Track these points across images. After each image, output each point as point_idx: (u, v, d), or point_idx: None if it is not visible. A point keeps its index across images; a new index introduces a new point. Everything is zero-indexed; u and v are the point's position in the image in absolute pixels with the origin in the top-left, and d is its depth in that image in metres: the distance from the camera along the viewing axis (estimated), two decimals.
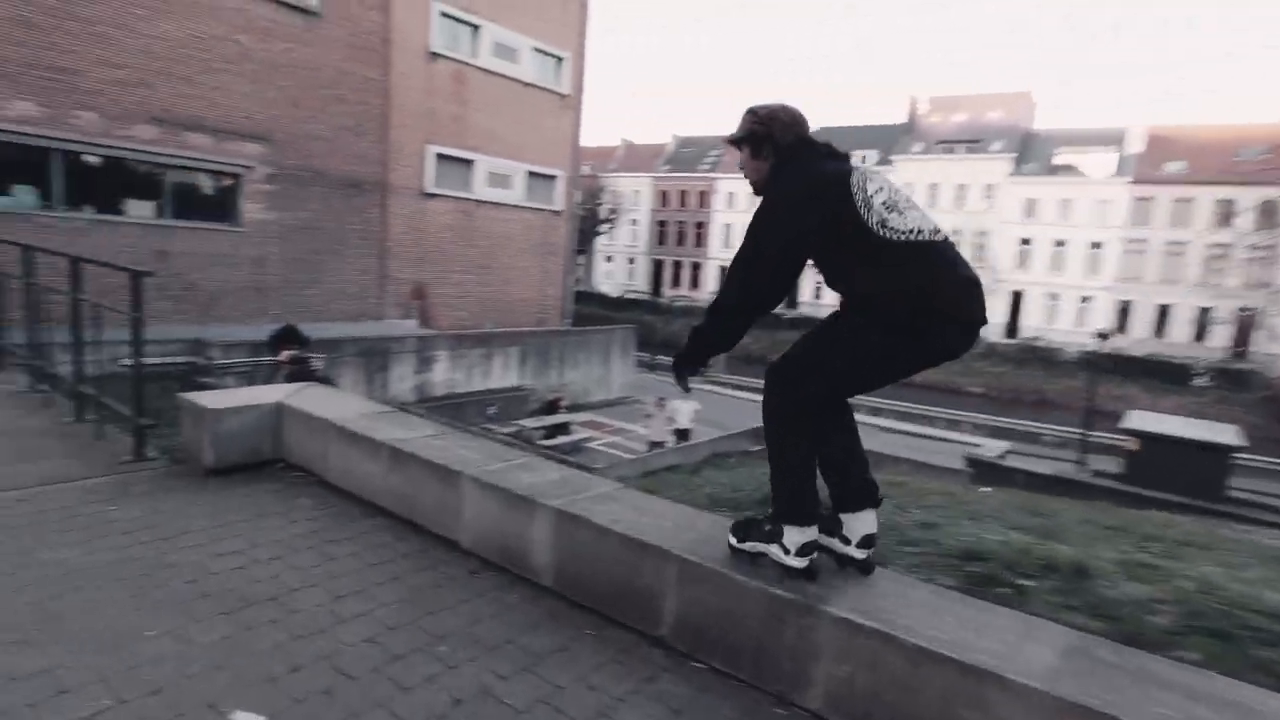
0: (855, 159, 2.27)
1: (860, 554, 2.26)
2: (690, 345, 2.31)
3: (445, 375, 18.65)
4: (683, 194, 58.27)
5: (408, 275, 19.48)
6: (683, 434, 16.87)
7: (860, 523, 2.26)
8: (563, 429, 18.27)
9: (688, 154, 60.00)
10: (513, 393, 19.78)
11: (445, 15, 19.37)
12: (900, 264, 2.02)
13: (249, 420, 3.85)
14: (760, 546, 2.30)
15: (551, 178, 23.40)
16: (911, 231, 2.04)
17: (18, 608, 2.36)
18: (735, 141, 2.35)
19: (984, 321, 2.07)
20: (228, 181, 15.42)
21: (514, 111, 21.60)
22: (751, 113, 2.31)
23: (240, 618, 2.40)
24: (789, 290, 2.19)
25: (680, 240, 58.41)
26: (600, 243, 59.52)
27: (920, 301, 2.00)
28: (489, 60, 20.65)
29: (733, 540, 2.37)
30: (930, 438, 22.20)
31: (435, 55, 19.10)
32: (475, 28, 20.30)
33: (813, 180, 2.12)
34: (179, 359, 13.42)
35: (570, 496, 2.81)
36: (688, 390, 2.48)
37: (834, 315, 2.20)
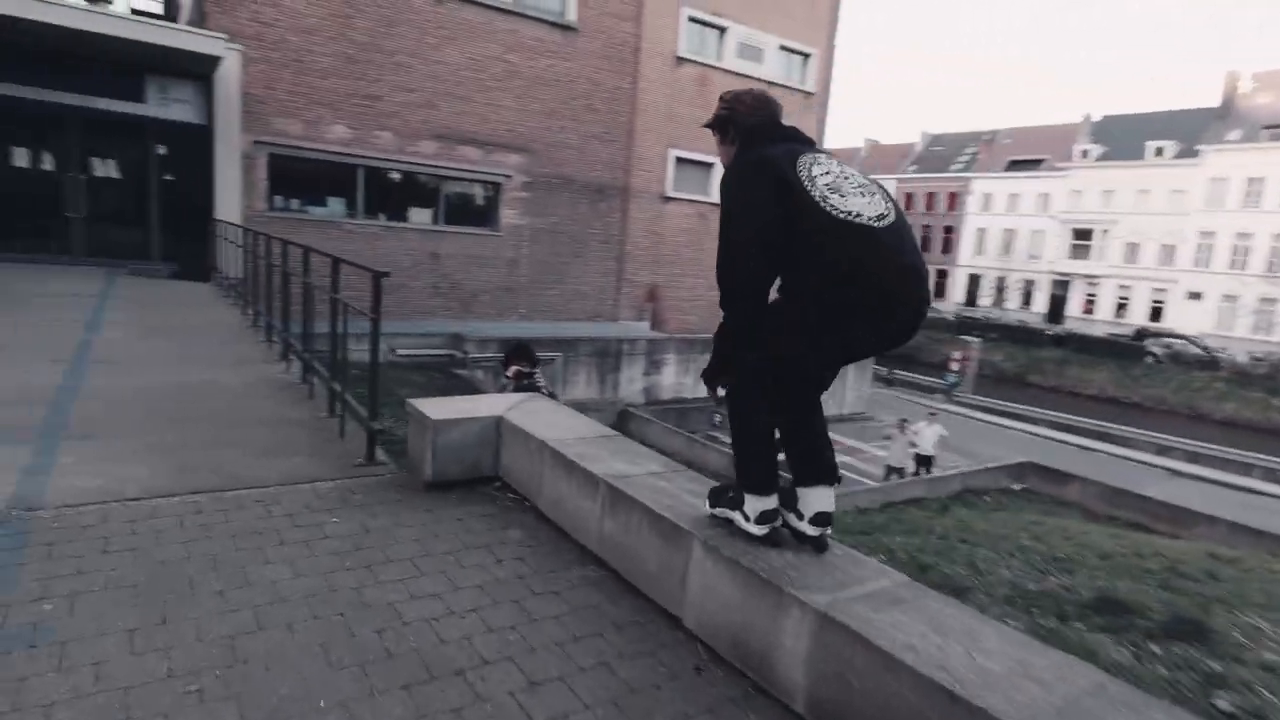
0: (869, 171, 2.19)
1: (812, 530, 2.29)
2: (718, 345, 2.30)
3: (674, 379, 18.54)
4: (930, 196, 53.69)
5: (643, 278, 19.70)
6: (925, 461, 15.05)
7: (815, 498, 2.29)
8: None
9: (938, 153, 55.17)
10: None
11: (693, 20, 19.27)
12: (839, 244, 2.02)
13: (470, 433, 3.56)
14: (727, 512, 2.45)
15: None
16: (850, 214, 2.04)
17: (211, 641, 2.13)
18: (709, 127, 2.44)
19: (924, 303, 2.08)
20: (490, 190, 16.61)
21: None
22: (721, 98, 2.40)
23: (419, 697, 1.95)
24: (778, 262, 2.14)
25: (925, 246, 53.81)
26: None
27: (862, 283, 2.01)
28: (733, 61, 20.20)
29: (707, 505, 2.54)
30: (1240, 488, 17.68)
31: (681, 60, 19.07)
32: (722, 30, 19.98)
33: (760, 159, 2.16)
34: (440, 351, 14.69)
35: (836, 592, 2.01)
36: (717, 401, 2.38)
37: (784, 299, 2.16)
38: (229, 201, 11.80)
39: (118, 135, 11.12)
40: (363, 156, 14.47)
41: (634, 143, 18.53)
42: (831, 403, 21.37)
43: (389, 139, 14.71)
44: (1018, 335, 41.41)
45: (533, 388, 5.16)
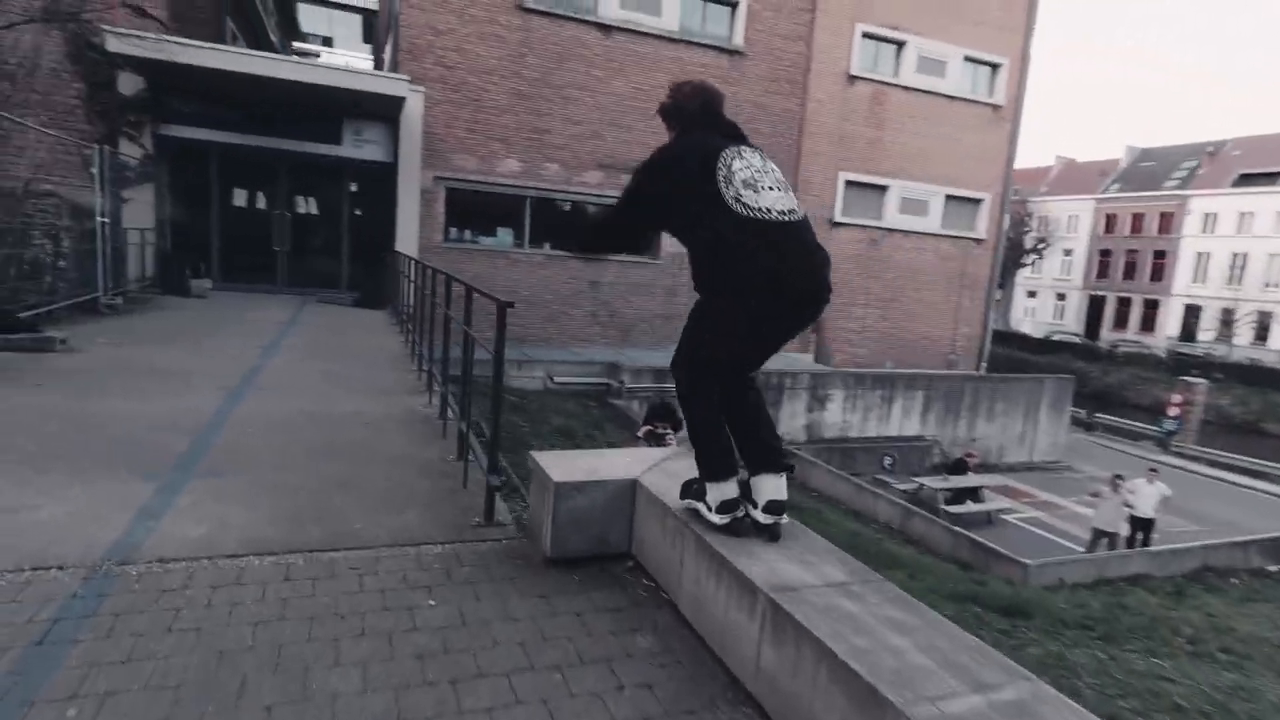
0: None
1: (765, 518, 2.35)
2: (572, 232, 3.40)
3: (839, 416, 17.10)
4: (1136, 217, 47.15)
5: None
6: (1143, 525, 12.56)
7: (765, 486, 2.37)
8: (973, 494, 15.15)
9: (1147, 169, 48.47)
10: (913, 443, 17.31)
11: (868, 36, 18.03)
12: (749, 238, 2.14)
13: (599, 499, 2.89)
14: (694, 504, 2.51)
15: (975, 201, 20.24)
16: (761, 210, 2.17)
17: None
18: (659, 114, 2.59)
19: (824, 291, 2.26)
20: None
21: (935, 129, 19.18)
22: (669, 88, 2.59)
23: None
24: (639, 235, 2.53)
25: (1129, 273, 47.30)
26: (1022, 275, 51.55)
27: (769, 274, 2.14)
28: (911, 77, 18.66)
29: (679, 499, 2.60)
30: None
31: (854, 78, 17.87)
32: (899, 44, 18.54)
33: (682, 149, 2.34)
34: (597, 380, 14.49)
35: None
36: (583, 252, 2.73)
37: (700, 302, 2.31)
38: (408, 234, 12.34)
39: (318, 175, 12.02)
40: (531, 187, 14.74)
41: (801, 166, 17.55)
42: (1022, 449, 18.83)
43: (556, 170, 14.89)
44: (1251, 376, 34.77)
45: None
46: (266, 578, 2.57)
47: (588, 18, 14.61)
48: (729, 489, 2.35)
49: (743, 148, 2.30)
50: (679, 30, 15.53)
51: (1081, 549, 11.90)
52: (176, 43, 9.15)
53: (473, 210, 14.43)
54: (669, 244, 16.29)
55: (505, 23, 13.92)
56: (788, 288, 2.15)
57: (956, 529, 10.55)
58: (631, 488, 2.93)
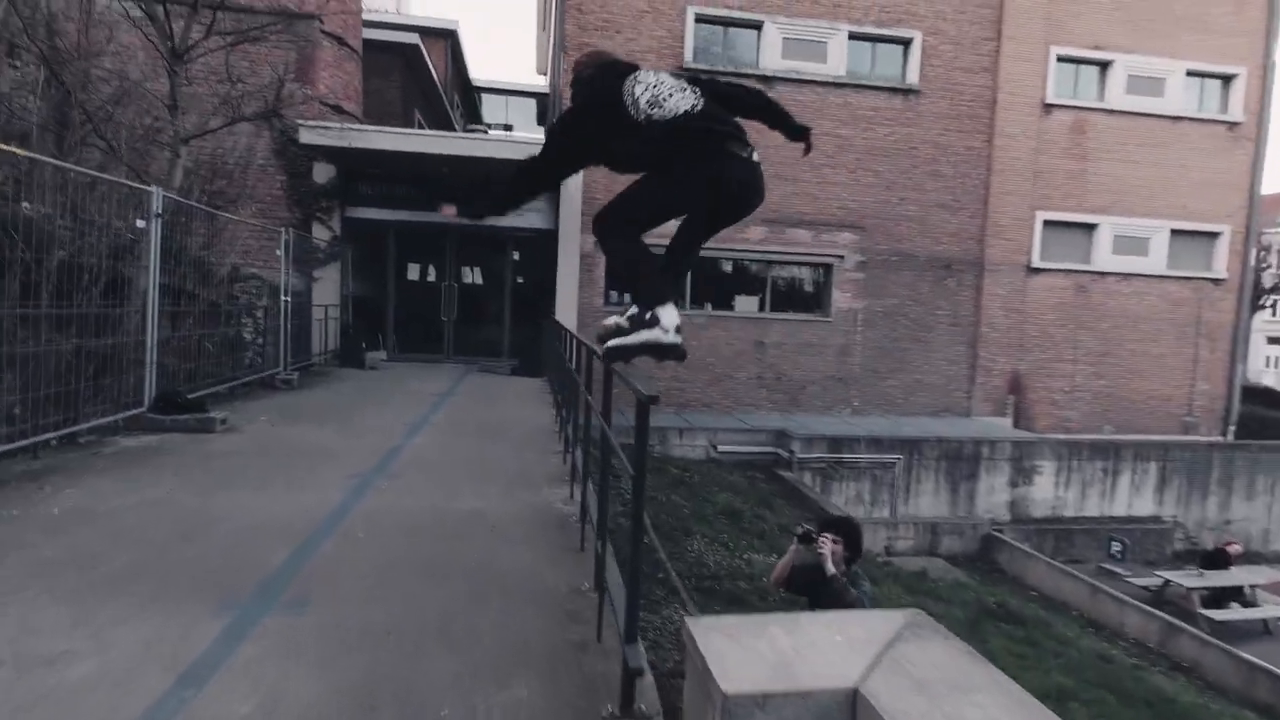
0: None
1: (677, 338, 2.69)
2: (485, 190, 2.89)
3: (1049, 492, 14.31)
4: None
5: (1002, 365, 15.98)
6: None
7: (671, 313, 2.71)
8: (1237, 594, 11.76)
9: None
10: (1148, 525, 14.06)
11: (1065, 60, 15.76)
12: (670, 137, 2.56)
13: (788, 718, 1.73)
14: (645, 334, 2.67)
15: (1210, 235, 16.76)
16: (675, 115, 2.55)
17: None
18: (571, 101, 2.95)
19: (746, 158, 2.65)
20: (820, 272, 15.01)
21: (1154, 156, 16.21)
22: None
23: None
24: (557, 177, 2.95)
25: None
26: (1261, 320, 43.08)
27: (698, 153, 2.58)
28: (1119, 99, 15.98)
29: (622, 341, 2.74)
30: None
31: (1050, 107, 15.60)
32: (1103, 65, 16.02)
33: (584, 103, 2.78)
34: (764, 449, 13.15)
35: None
36: (476, 217, 3.06)
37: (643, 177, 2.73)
38: (568, 299, 12.01)
39: (482, 246, 12.11)
40: None
41: (989, 208, 15.42)
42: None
43: None
44: None
45: (840, 594, 3.29)
46: None
47: (749, 70, 13.91)
48: (675, 311, 2.70)
49: (638, 75, 2.65)
50: (846, 74, 14.39)
51: None
52: (357, 129, 9.53)
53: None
54: (840, 301, 14.83)
55: None
56: (710, 157, 2.62)
57: (1251, 658, 7.84)
58: (848, 704, 1.74)
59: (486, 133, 13.21)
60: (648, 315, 2.67)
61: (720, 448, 12.83)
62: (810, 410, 14.85)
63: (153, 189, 5.49)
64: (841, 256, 14.76)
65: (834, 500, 12.66)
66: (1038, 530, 13.56)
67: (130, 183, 5.64)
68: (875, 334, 15.14)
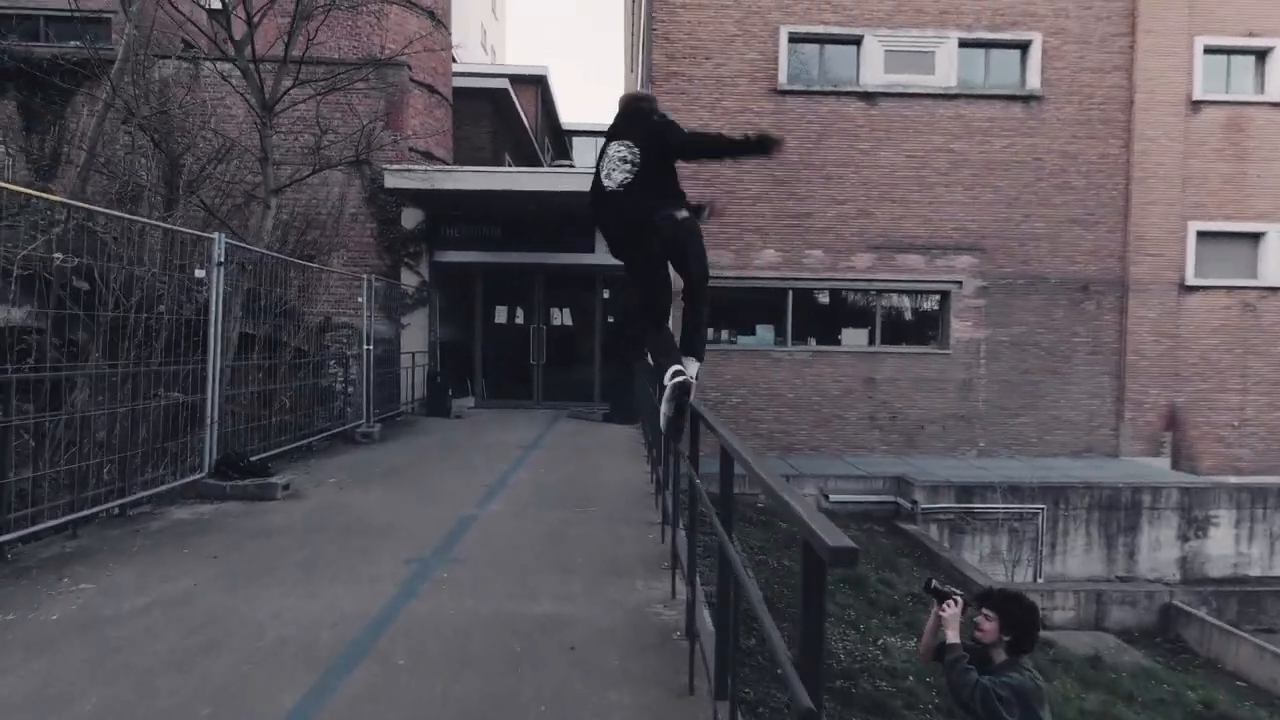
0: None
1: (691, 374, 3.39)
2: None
3: (1229, 547, 11.89)
4: None
5: (1155, 398, 13.69)
6: None
7: (693, 365, 3.51)
8: None
9: None
10: None
11: (1213, 50, 13.65)
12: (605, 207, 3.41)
13: None
14: (689, 378, 3.31)
15: None
16: (616, 185, 3.30)
17: None
18: None
19: (639, 221, 3.27)
20: (936, 301, 13.43)
21: None
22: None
23: None
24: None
25: None
26: None
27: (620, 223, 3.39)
28: None
29: (684, 378, 3.29)
30: None
31: (1198, 105, 13.49)
32: (1260, 54, 13.79)
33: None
34: (881, 498, 11.61)
35: None
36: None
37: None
38: None
39: (571, 286, 11.45)
40: (792, 279, 12.86)
41: (1131, 221, 13.40)
42: None
43: (819, 257, 12.87)
44: None
45: (953, 672, 2.15)
46: None
47: (848, 89, 12.77)
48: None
49: (609, 143, 3.43)
50: (957, 85, 12.97)
51: None
52: (441, 170, 9.10)
53: (729, 308, 12.91)
54: (959, 331, 13.18)
55: (758, 109, 12.63)
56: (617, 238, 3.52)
57: None
58: None
59: (572, 166, 12.69)
60: (683, 363, 3.28)
61: (832, 497, 11.41)
62: (930, 453, 13.15)
63: (214, 236, 5.01)
64: (960, 282, 13.14)
65: (966, 557, 10.91)
66: (1217, 593, 11.20)
67: (193, 230, 5.19)
68: (1002, 366, 13.32)
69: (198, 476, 4.97)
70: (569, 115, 23.97)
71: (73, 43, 10.83)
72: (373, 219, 10.65)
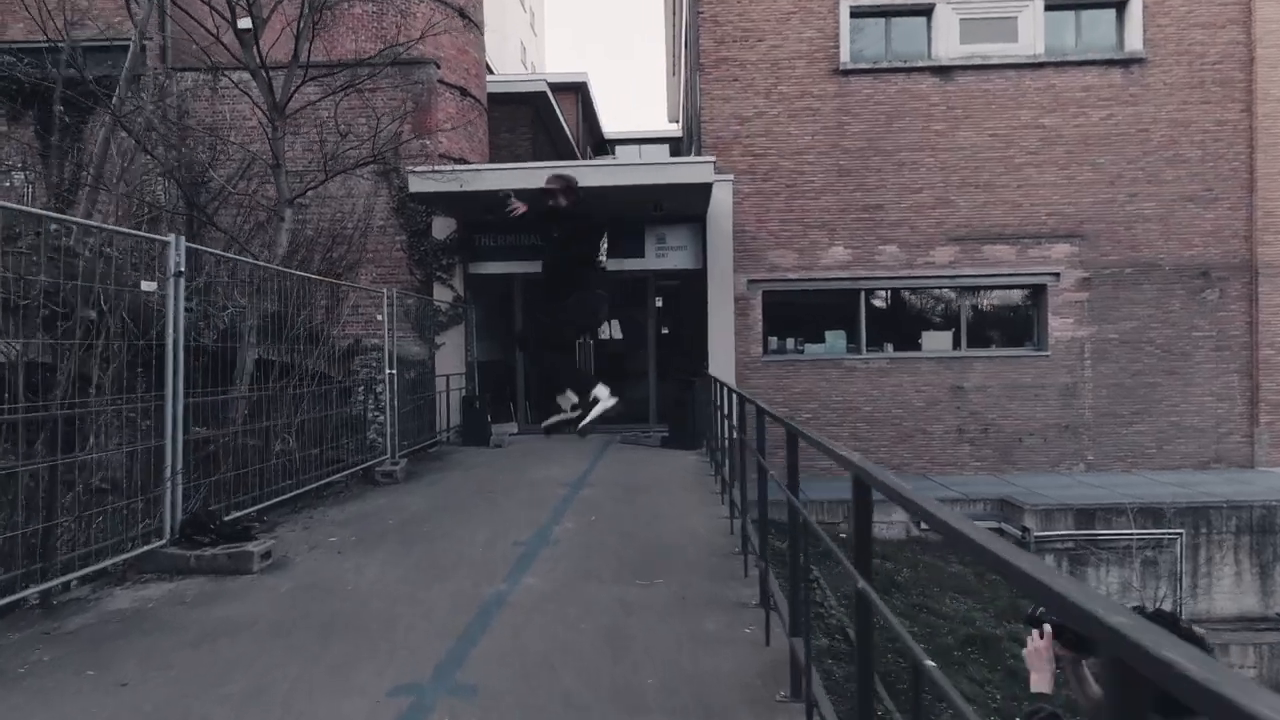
0: None
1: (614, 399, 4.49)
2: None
3: None
4: None
5: None
6: None
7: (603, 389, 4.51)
8: None
9: None
10: None
11: None
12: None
13: None
14: (596, 410, 4.35)
15: None
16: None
17: None
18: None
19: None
20: (1030, 296, 11.66)
21: None
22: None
23: None
24: None
25: None
26: None
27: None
28: None
29: (584, 423, 4.45)
30: None
31: None
32: None
33: None
34: (981, 523, 9.86)
35: None
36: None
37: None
38: (723, 349, 9.69)
39: (621, 295, 10.15)
40: (864, 278, 11.29)
41: (1257, 196, 11.39)
42: None
43: (894, 253, 11.28)
44: None
45: None
46: None
47: (920, 64, 11.20)
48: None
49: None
50: (1044, 52, 11.26)
51: None
52: (470, 170, 7.95)
53: (794, 314, 11.42)
54: (1059, 330, 11.37)
55: (819, 92, 11.17)
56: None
57: None
58: None
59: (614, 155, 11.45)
60: (591, 398, 4.34)
61: (924, 525, 9.74)
62: (1028, 468, 11.32)
63: (169, 238, 3.87)
64: (1057, 275, 11.35)
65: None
66: None
67: (150, 235, 4.07)
68: (1110, 368, 11.43)
69: (156, 545, 3.81)
70: (611, 125, 22.90)
71: (85, 71, 10.20)
72: (402, 230, 9.59)
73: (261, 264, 5.40)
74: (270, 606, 3.33)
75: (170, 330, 3.80)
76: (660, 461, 7.45)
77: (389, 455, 6.73)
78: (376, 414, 8.03)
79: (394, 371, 6.89)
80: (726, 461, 5.49)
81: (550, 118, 14.42)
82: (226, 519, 4.12)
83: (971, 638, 5.93)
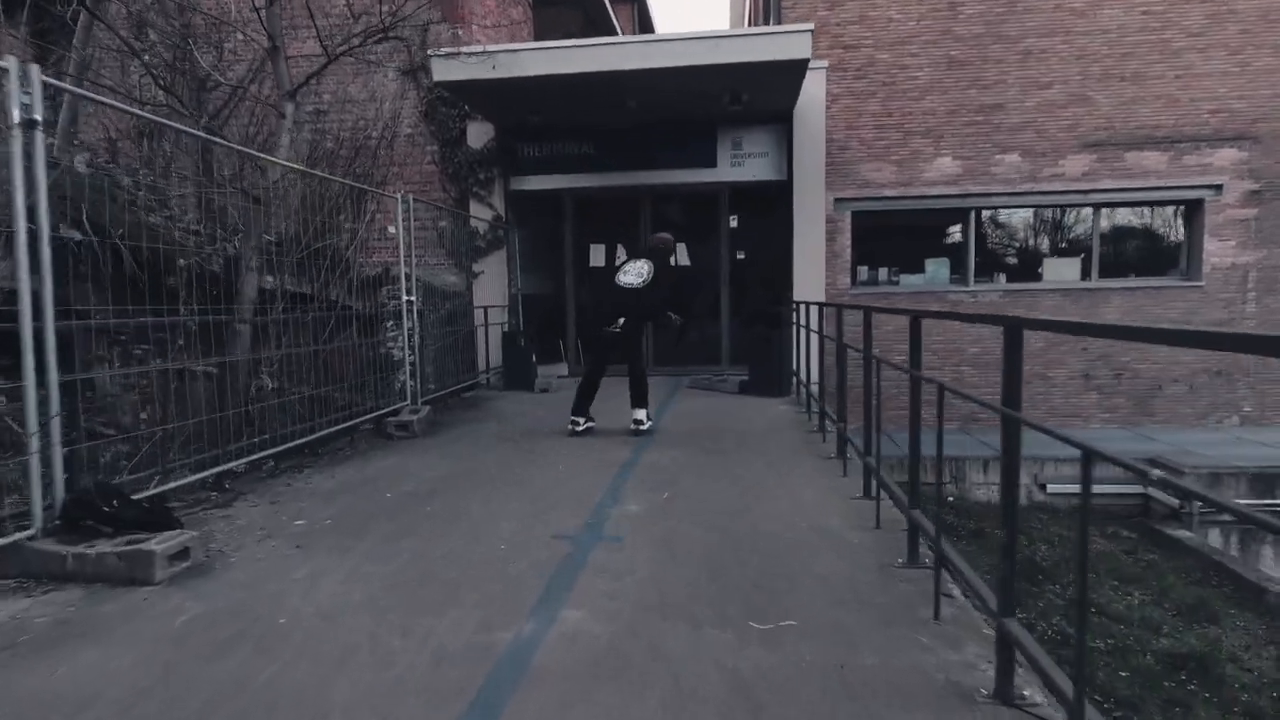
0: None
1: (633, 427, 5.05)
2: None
3: None
4: None
5: None
6: None
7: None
8: None
9: None
10: None
11: None
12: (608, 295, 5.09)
13: None
14: (644, 424, 4.98)
15: None
16: (622, 285, 5.08)
17: None
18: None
19: (620, 313, 5.08)
20: (1183, 214, 9.33)
21: None
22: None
23: None
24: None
25: None
26: None
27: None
28: None
29: (642, 426, 4.99)
30: None
31: None
32: None
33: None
34: (1123, 488, 7.95)
35: None
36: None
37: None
38: (812, 280, 7.88)
39: (689, 213, 8.39)
40: (977, 195, 9.15)
41: None
42: None
43: (1014, 163, 9.08)
44: None
45: None
46: None
47: None
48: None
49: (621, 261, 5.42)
50: None
51: None
52: (507, 50, 6.20)
53: (888, 239, 9.42)
54: (1216, 255, 9.07)
55: None
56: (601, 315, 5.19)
57: None
58: None
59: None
60: (644, 412, 5.07)
61: (1050, 487, 7.90)
62: (1171, 421, 9.24)
63: (7, 62, 2.38)
64: (1219, 187, 8.96)
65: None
66: None
67: None
68: (1276, 301, 9.12)
69: (20, 535, 2.46)
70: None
71: None
72: (433, 139, 8.00)
73: (192, 132, 3.89)
74: (134, 666, 1.90)
75: (18, 209, 2.32)
76: (743, 412, 5.81)
77: (409, 401, 5.31)
78: (410, 353, 6.66)
79: (413, 299, 5.42)
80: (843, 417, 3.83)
81: (604, 24, 12.43)
82: (140, 495, 2.73)
83: (1177, 656, 4.22)
